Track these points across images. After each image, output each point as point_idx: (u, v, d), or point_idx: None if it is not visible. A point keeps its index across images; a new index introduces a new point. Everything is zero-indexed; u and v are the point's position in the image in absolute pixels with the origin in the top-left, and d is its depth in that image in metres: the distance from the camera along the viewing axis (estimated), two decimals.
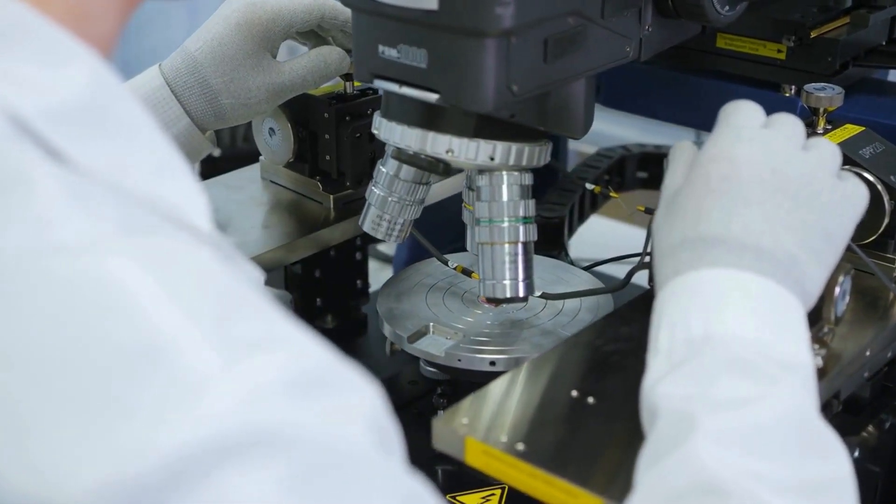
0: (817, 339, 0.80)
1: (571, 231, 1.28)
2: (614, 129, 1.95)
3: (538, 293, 0.97)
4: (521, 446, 0.71)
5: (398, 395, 1.09)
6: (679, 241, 0.71)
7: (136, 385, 0.44)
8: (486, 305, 0.98)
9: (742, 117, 0.74)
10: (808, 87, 0.95)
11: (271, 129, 1.08)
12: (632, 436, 0.70)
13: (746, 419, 0.63)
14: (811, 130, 0.95)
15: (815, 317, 0.80)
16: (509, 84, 0.81)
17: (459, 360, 0.93)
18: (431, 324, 0.97)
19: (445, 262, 1.02)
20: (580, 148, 1.77)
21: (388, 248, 1.59)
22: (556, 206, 1.23)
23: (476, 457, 0.72)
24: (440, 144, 0.86)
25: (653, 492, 0.62)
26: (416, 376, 1.08)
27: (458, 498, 0.95)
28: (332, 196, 1.07)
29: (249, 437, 0.44)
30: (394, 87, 0.84)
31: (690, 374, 0.66)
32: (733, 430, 0.62)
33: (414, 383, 1.10)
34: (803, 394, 0.65)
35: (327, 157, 1.07)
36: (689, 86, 1.17)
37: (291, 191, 1.11)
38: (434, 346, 0.95)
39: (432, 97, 0.82)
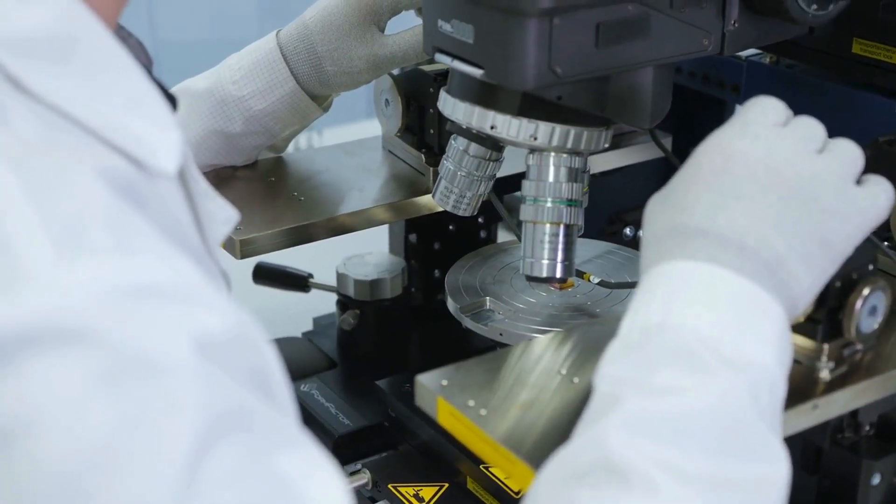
0: (836, 354, 0.77)
1: None
2: None
3: (596, 280, 0.97)
4: (483, 412, 0.73)
5: None
6: (664, 230, 0.70)
7: None
8: (552, 288, 1.00)
9: (756, 113, 0.72)
10: None
11: (387, 99, 1.14)
12: None
13: (668, 407, 0.62)
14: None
15: (837, 331, 0.76)
16: (552, 65, 0.82)
17: (501, 335, 0.95)
18: (488, 298, 0.99)
19: None
20: None
21: None
22: None
23: (445, 417, 0.75)
24: (484, 120, 0.88)
25: (560, 466, 0.63)
26: None
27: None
28: (431, 168, 1.11)
29: (61, 331, 0.49)
30: (448, 61, 0.87)
31: (634, 359, 0.65)
32: (650, 416, 0.62)
33: None
34: (745, 394, 0.63)
35: (431, 131, 1.11)
36: (823, 91, 1.12)
37: (402, 161, 1.16)
38: (483, 320, 0.97)
39: (477, 72, 0.84)
